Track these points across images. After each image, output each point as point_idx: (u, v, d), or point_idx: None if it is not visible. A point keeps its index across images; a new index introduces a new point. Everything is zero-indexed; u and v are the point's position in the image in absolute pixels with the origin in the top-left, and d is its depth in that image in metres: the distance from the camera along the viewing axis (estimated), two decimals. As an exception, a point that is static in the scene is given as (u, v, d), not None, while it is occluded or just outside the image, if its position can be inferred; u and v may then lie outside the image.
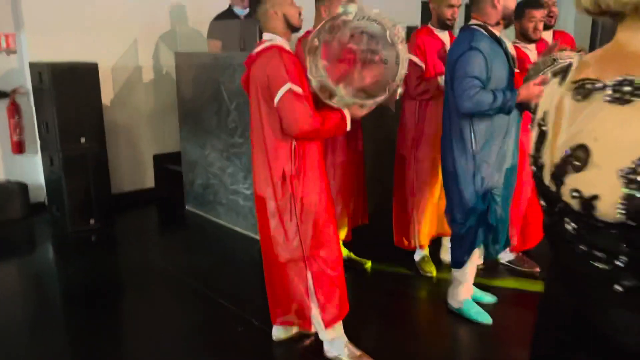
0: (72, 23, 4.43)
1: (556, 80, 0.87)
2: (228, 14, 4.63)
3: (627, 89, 0.71)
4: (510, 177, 2.74)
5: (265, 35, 2.33)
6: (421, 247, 3.40)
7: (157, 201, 5.09)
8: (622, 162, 0.70)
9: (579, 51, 3.40)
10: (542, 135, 0.87)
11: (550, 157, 0.84)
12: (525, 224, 3.38)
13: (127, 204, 4.85)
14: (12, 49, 4.36)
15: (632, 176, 0.69)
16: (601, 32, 9.13)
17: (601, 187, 0.73)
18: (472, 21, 2.61)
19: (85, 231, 4.20)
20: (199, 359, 2.58)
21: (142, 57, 4.92)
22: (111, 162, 4.59)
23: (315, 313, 2.38)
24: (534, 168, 0.90)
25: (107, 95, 4.66)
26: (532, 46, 3.24)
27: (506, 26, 2.76)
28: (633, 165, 0.69)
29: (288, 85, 2.16)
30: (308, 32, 2.82)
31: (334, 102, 2.29)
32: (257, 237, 4.00)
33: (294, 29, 2.34)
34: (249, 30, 4.46)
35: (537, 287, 3.26)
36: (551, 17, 3.52)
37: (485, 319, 2.79)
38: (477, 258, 2.76)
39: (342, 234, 3.23)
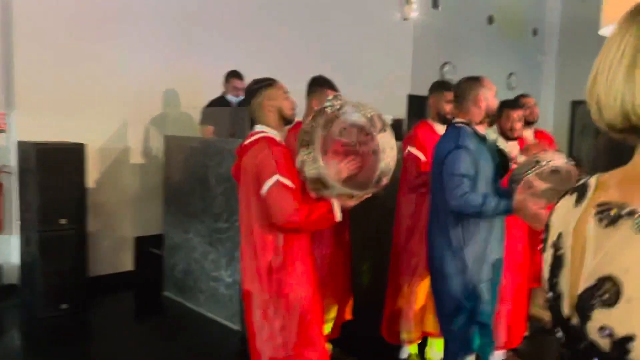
0: (63, 103, 4.47)
1: (571, 199, 0.81)
2: (220, 102, 4.72)
3: None
4: (497, 270, 2.68)
5: (257, 127, 2.34)
6: (410, 342, 3.26)
7: (135, 285, 4.91)
8: None
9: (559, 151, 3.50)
10: (558, 260, 0.79)
11: (571, 286, 0.75)
12: (510, 321, 3.28)
13: (104, 288, 4.67)
14: (1, 128, 4.36)
15: None
16: (579, 132, 9.46)
17: (637, 325, 0.64)
18: (457, 119, 2.66)
19: (56, 317, 3.99)
20: None
21: (131, 138, 4.94)
22: (91, 244, 4.46)
23: None
24: (550, 294, 0.81)
25: (93, 175, 4.63)
26: (514, 143, 3.31)
27: (490, 124, 2.82)
28: None
29: (276, 177, 2.14)
30: (299, 123, 2.85)
31: (324, 194, 2.26)
32: (237, 327, 3.85)
33: (287, 121, 2.36)
34: (240, 118, 4.53)
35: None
36: (532, 116, 3.65)
37: None
38: (470, 362, 2.63)
39: (327, 328, 3.09)
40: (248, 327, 2.32)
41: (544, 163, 2.51)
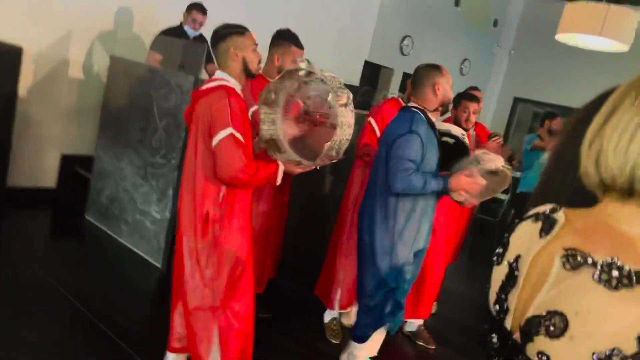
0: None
1: (535, 227, 0.85)
2: (177, 31, 4.51)
3: (615, 274, 0.71)
4: (421, 257, 2.79)
5: (219, 73, 2.26)
6: (340, 308, 3.34)
7: (55, 204, 4.72)
8: (598, 346, 0.69)
9: (493, 136, 3.63)
10: (512, 280, 0.85)
11: (518, 307, 0.82)
12: (418, 295, 3.46)
13: (22, 201, 4.46)
14: None
15: None
16: (515, 128, 9.88)
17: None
18: (412, 104, 2.70)
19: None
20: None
21: (74, 51, 4.64)
22: (15, 153, 4.22)
23: None
24: (497, 307, 0.88)
25: (26, 82, 4.33)
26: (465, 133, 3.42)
27: (442, 113, 2.89)
28: (608, 353, 0.68)
29: (230, 130, 2.11)
30: (260, 76, 2.79)
31: (277, 156, 2.26)
32: (159, 264, 3.83)
33: (250, 74, 2.29)
34: (194, 53, 4.37)
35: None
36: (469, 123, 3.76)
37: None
38: (380, 336, 2.76)
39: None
40: (176, 271, 2.32)
41: (483, 164, 2.62)
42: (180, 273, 2.28)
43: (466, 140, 2.88)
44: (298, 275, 3.94)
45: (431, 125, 2.66)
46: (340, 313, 3.44)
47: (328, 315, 3.43)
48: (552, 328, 0.73)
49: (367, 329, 2.72)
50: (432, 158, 2.62)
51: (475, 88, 4.08)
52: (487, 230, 7.62)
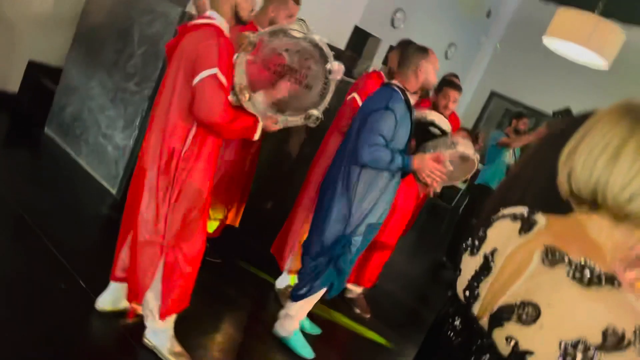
0: None
1: (514, 226, 0.95)
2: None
3: (587, 273, 0.81)
4: (372, 232, 2.85)
5: (209, 12, 2.20)
6: (289, 272, 3.32)
7: (14, 111, 4.56)
8: (565, 335, 0.79)
9: (465, 129, 3.73)
10: (486, 271, 0.94)
11: (489, 296, 0.91)
12: (364, 264, 3.57)
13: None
14: None
15: (570, 350, 0.78)
16: (485, 122, 10.05)
17: (540, 347, 0.81)
18: (394, 81, 2.71)
19: None
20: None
21: (58, -45, 4.40)
22: (-22, 51, 4.03)
23: (151, 300, 2.28)
24: (466, 293, 0.96)
25: (1, -22, 4.10)
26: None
27: (421, 96, 2.91)
28: (574, 342, 0.78)
29: (215, 71, 2.06)
30: (251, 24, 2.73)
31: (248, 106, 2.24)
32: (113, 191, 3.78)
33: (239, 21, 2.24)
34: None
35: (362, 330, 3.46)
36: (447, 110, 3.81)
37: (308, 354, 2.88)
38: (316, 297, 2.83)
39: (211, 227, 3.15)
40: (130, 202, 2.30)
41: (458, 147, 2.68)
42: (134, 204, 2.26)
43: (452, 134, 2.92)
44: (259, 231, 3.96)
45: (408, 105, 2.68)
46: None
47: (283, 281, 3.40)
48: (524, 316, 0.83)
49: (304, 287, 2.78)
50: (403, 137, 2.65)
51: (455, 75, 4.11)
52: (438, 214, 7.82)
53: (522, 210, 0.97)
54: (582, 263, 0.82)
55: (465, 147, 2.73)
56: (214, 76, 2.06)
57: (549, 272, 0.84)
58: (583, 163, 0.88)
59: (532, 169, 1.35)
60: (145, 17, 3.79)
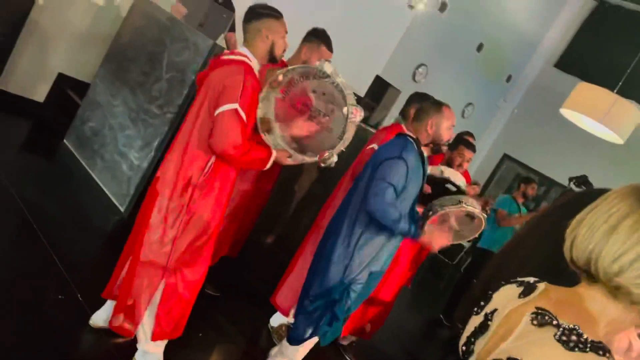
0: None
1: (517, 290, 1.00)
2: (207, -10, 4.51)
3: (574, 338, 0.84)
4: (374, 280, 2.83)
5: (242, 49, 2.29)
6: (287, 313, 3.20)
7: (38, 119, 4.67)
8: None
9: (474, 183, 3.74)
10: (484, 328, 0.99)
11: (482, 351, 0.96)
12: (364, 315, 3.53)
13: (6, 107, 4.39)
14: None
15: None
16: (495, 183, 10.08)
17: None
18: (408, 131, 2.75)
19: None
20: None
21: (101, -23, 4.59)
22: (14, 58, 4.16)
23: (146, 322, 2.28)
24: (464, 348, 1.01)
25: (45, -8, 4.27)
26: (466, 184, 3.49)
27: (433, 150, 2.95)
28: None
29: (235, 105, 2.14)
30: (283, 64, 2.82)
31: (267, 139, 2.31)
32: (122, 208, 3.82)
33: (272, 59, 2.33)
34: (218, 17, 4.37)
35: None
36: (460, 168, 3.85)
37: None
38: (312, 342, 2.80)
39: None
40: (142, 221, 2.34)
41: (466, 205, 2.69)
42: (141, 225, 2.29)
43: (467, 190, 2.94)
44: (257, 264, 3.96)
45: (421, 156, 2.70)
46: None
47: (277, 320, 3.32)
48: None
49: (301, 332, 2.75)
50: (414, 189, 2.65)
51: (470, 134, 4.15)
52: (439, 269, 7.76)
53: (530, 279, 1.01)
54: (571, 327, 0.85)
55: (473, 206, 2.74)
56: (234, 110, 2.13)
57: (536, 332, 0.88)
58: (584, 233, 0.93)
59: (536, 237, 1.39)
60: (176, 44, 3.91)
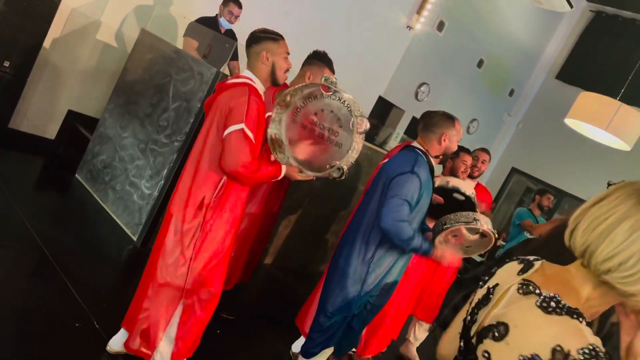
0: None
1: (518, 267, 1.10)
2: (211, 22, 4.65)
3: (552, 304, 0.96)
4: (388, 292, 2.85)
5: (246, 72, 2.36)
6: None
7: (49, 156, 4.77)
8: (523, 351, 0.93)
9: (492, 209, 3.77)
10: (486, 300, 1.09)
11: (482, 319, 1.06)
12: (372, 332, 3.51)
13: (18, 144, 4.50)
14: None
15: None
16: (506, 195, 10.05)
17: (505, 358, 0.96)
18: (416, 144, 2.76)
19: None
20: (15, 341, 2.38)
21: (108, 15, 4.74)
22: (23, 97, 4.28)
23: (164, 346, 2.30)
24: (469, 318, 1.11)
25: (55, 32, 4.41)
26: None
27: (440, 162, 2.98)
28: (529, 357, 0.92)
29: (241, 126, 2.19)
30: (285, 85, 2.89)
31: (278, 156, 2.36)
32: (134, 237, 3.87)
33: (275, 81, 2.38)
34: (221, 46, 4.49)
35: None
36: (476, 170, 3.88)
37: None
38: (326, 354, 2.80)
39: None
40: (158, 245, 2.37)
41: (479, 224, 2.69)
42: (160, 246, 2.33)
43: (475, 199, 2.96)
44: (276, 289, 3.98)
45: (431, 169, 2.73)
46: None
47: (299, 345, 3.20)
48: (496, 334, 0.99)
49: (316, 346, 2.76)
50: (425, 203, 2.68)
51: (485, 151, 4.10)
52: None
53: (531, 257, 1.11)
54: (551, 296, 0.97)
55: (485, 224, 2.74)
56: (241, 130, 2.19)
57: (521, 300, 1.00)
58: (585, 228, 1.00)
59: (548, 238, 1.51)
60: (182, 74, 4.01)
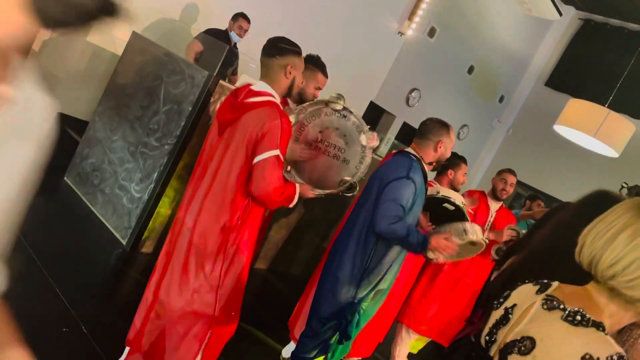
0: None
1: (534, 288, 1.15)
2: (221, 35, 4.74)
3: (578, 317, 1.00)
4: (381, 298, 2.85)
5: (263, 86, 2.20)
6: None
7: (37, 158, 4.72)
8: None
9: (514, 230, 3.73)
10: (505, 320, 1.13)
11: (504, 337, 1.09)
12: (359, 336, 3.50)
13: (5, 147, 4.45)
14: None
15: None
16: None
17: None
18: (410, 149, 2.74)
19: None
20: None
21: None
22: (12, 99, 4.24)
23: None
24: (487, 338, 1.15)
25: (44, 33, 4.38)
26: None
27: (434, 170, 2.97)
28: None
29: (277, 152, 2.09)
30: (283, 99, 2.86)
31: (289, 176, 2.37)
32: (124, 242, 3.84)
33: (289, 94, 2.30)
34: (213, 51, 4.49)
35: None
36: (505, 192, 3.85)
37: None
38: (318, 361, 2.79)
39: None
40: (173, 269, 2.25)
41: (468, 236, 2.72)
42: (173, 275, 2.22)
43: (465, 209, 2.97)
44: (268, 294, 3.96)
45: (424, 175, 2.73)
46: None
47: (289, 351, 3.24)
48: (523, 348, 1.03)
49: (309, 352, 2.74)
50: (418, 209, 2.68)
51: (512, 172, 4.01)
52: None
53: (544, 280, 1.17)
54: (576, 310, 1.00)
55: (474, 234, 2.76)
56: (276, 157, 2.09)
57: (546, 315, 1.04)
58: (590, 241, 1.07)
59: (551, 241, 1.60)
60: (173, 77, 4.00)
